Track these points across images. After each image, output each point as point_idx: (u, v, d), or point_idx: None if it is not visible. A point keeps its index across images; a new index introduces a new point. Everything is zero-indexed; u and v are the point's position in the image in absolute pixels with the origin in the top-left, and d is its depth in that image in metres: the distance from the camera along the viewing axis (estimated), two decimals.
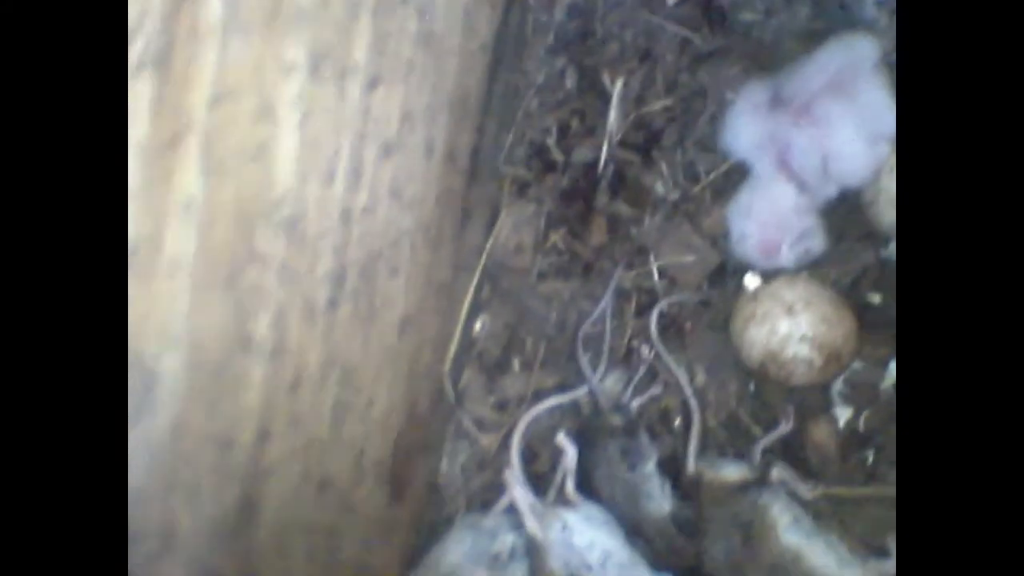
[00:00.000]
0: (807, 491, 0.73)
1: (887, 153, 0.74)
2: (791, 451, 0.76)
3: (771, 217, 0.76)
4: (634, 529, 0.72)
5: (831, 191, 0.76)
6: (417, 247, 0.68)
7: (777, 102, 0.76)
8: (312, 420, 0.59)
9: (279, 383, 0.56)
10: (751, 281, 0.78)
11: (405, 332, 0.68)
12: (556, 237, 0.78)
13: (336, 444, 0.62)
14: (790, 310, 0.74)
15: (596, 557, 0.69)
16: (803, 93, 0.75)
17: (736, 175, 0.79)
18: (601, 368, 0.76)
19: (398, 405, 0.69)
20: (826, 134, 0.74)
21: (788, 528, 0.69)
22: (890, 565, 0.71)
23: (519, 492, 0.71)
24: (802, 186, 0.76)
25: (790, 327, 0.73)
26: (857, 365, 0.77)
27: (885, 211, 0.75)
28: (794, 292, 0.74)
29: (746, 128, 0.77)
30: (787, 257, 0.76)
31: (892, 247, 0.78)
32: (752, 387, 0.77)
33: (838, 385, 0.77)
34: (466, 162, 0.73)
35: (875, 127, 0.74)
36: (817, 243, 0.77)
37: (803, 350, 0.73)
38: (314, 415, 0.59)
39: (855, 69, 0.75)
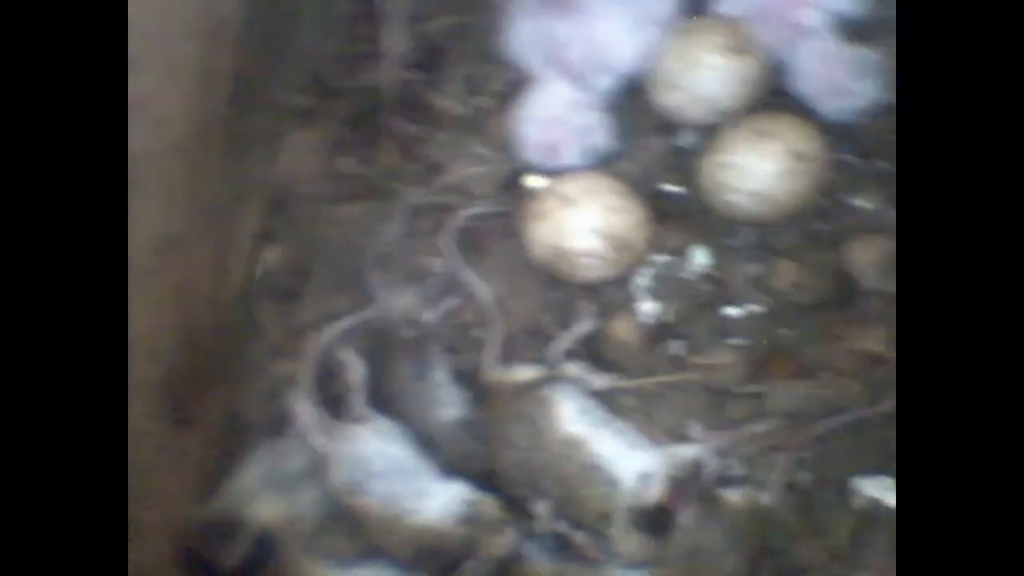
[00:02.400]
0: (598, 382, 0.71)
1: (657, 35, 0.73)
2: (594, 350, 0.73)
3: (547, 116, 0.74)
4: (426, 439, 0.70)
5: (605, 82, 0.75)
6: (171, 169, 0.68)
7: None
8: None
9: None
10: (535, 182, 0.76)
11: (165, 254, 0.68)
12: (344, 163, 0.78)
13: None
14: (572, 203, 0.72)
15: (380, 467, 0.68)
16: None
17: (522, 82, 0.78)
18: (394, 286, 0.75)
19: (167, 330, 0.69)
20: (590, 22, 0.73)
21: (572, 418, 0.68)
22: (689, 450, 0.68)
23: (303, 410, 0.70)
24: (575, 80, 0.74)
25: (573, 220, 0.71)
26: (659, 257, 0.75)
27: (662, 95, 0.74)
28: (575, 185, 0.73)
29: (519, 30, 0.76)
30: (570, 155, 0.75)
31: (685, 134, 0.76)
32: (554, 292, 0.75)
33: (641, 279, 0.75)
34: (229, 87, 0.73)
35: (640, 10, 0.73)
36: (601, 138, 0.75)
37: (589, 242, 0.71)
38: None
39: None
